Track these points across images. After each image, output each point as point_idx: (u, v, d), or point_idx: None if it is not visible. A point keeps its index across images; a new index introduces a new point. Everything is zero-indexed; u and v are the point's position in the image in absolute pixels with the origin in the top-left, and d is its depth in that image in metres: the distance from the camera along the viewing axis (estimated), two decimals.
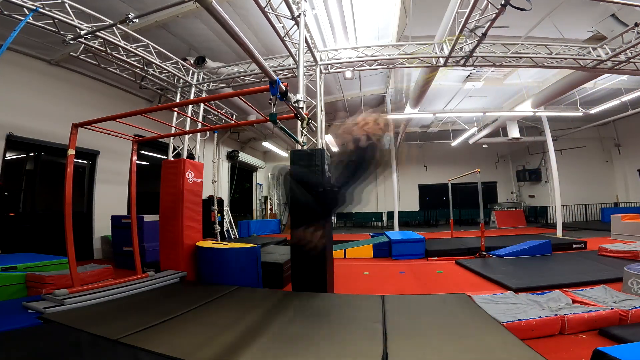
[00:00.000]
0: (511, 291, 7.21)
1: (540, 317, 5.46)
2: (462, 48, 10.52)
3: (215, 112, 9.07)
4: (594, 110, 16.42)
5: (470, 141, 24.09)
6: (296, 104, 5.82)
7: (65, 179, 7.17)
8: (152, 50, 10.57)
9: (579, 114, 16.71)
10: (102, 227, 13.23)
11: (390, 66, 11.46)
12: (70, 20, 8.40)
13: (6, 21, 7.74)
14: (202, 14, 10.36)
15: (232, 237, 19.09)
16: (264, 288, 8.24)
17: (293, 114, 6.30)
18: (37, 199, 11.78)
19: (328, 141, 21.39)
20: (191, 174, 9.81)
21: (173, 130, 9.84)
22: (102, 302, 6.75)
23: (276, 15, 8.16)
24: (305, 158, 8.12)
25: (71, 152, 7.34)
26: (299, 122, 6.70)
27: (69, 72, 12.56)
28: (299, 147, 8.99)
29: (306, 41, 9.46)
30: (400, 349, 4.49)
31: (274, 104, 5.26)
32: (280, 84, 5.02)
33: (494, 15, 8.30)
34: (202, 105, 11.96)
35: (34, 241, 11.17)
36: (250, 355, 4.40)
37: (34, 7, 7.78)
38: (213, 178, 13.98)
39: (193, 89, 12.13)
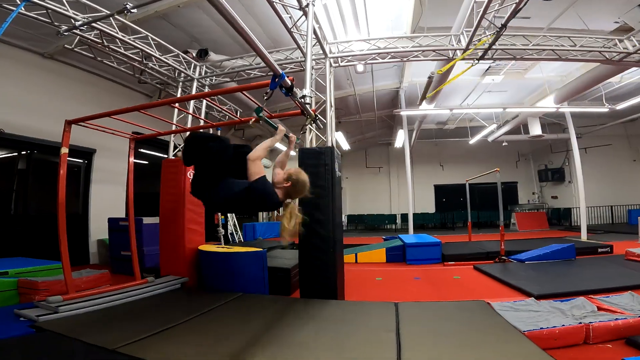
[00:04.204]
0: (533, 298, 7.16)
1: (563, 325, 5.41)
2: (481, 40, 10.47)
3: (219, 108, 9.01)
4: (621, 106, 16.30)
5: (490, 139, 24.09)
6: (302, 100, 5.76)
7: (59, 179, 7.14)
8: (152, 42, 10.53)
9: (604, 109, 16.57)
10: (98, 230, 13.20)
11: (404, 59, 11.43)
12: (65, 10, 8.36)
13: None
14: (204, 3, 10.31)
15: (237, 240, 19.06)
16: (271, 294, 8.19)
17: (300, 111, 6.26)
18: (30, 200, 11.79)
19: (338, 139, 21.44)
20: (192, 173, 9.72)
21: (174, 127, 9.82)
22: (99, 310, 6.74)
23: (283, 5, 8.13)
24: (314, 157, 8.12)
25: (64, 150, 7.32)
26: (306, 120, 6.63)
27: (63, 66, 12.53)
28: (307, 145, 8.98)
29: (315, 32, 9.38)
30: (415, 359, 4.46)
31: (266, 98, 5.20)
32: (285, 78, 4.95)
33: (514, 5, 8.26)
34: (204, 100, 11.80)
35: (27, 245, 11.14)
36: None
37: None
38: None
39: (195, 84, 12.08)
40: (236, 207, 5.48)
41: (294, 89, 5.25)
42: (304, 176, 4.97)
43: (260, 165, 4.69)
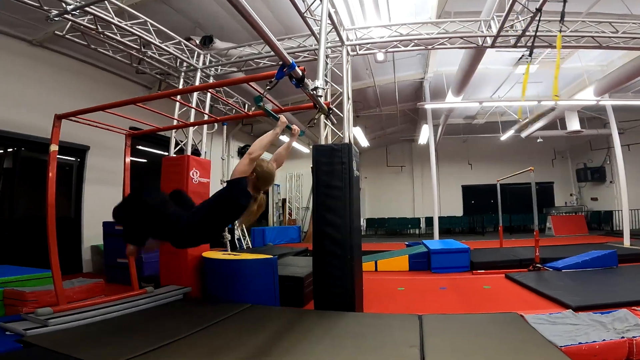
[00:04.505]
0: (570, 310, 7.09)
1: (604, 340, 5.34)
2: (513, 26, 10.41)
3: (225, 101, 9.00)
4: None
5: (523, 134, 23.96)
6: (314, 92, 5.71)
7: (48, 179, 7.13)
8: (151, 28, 10.51)
9: None
10: (92, 235, 13.15)
11: (429, 47, 11.38)
12: None
13: None
14: None
15: (244, 246, 19.07)
16: (282, 306, 8.19)
17: (313, 104, 6.22)
18: (17, 202, 11.78)
19: (356, 135, 21.41)
20: (196, 173, 9.79)
21: (175, 122, 9.81)
22: (92, 323, 6.72)
23: None
24: (329, 154, 8.09)
25: (54, 147, 7.29)
26: (317, 113, 6.59)
27: (53, 54, 12.45)
28: (322, 142, 8.95)
29: (330, 17, 9.27)
30: None
31: (269, 88, 5.14)
32: (296, 67, 4.91)
33: None
34: (208, 92, 11.77)
35: (13, 252, 11.10)
36: None
37: None
38: (222, 178, 13.97)
39: (198, 74, 12.10)
40: (210, 225, 5.14)
41: (305, 80, 5.21)
42: (270, 166, 5.21)
43: (245, 163, 4.81)
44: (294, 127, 6.35)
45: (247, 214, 4.87)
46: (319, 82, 5.72)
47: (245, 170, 4.74)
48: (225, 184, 4.78)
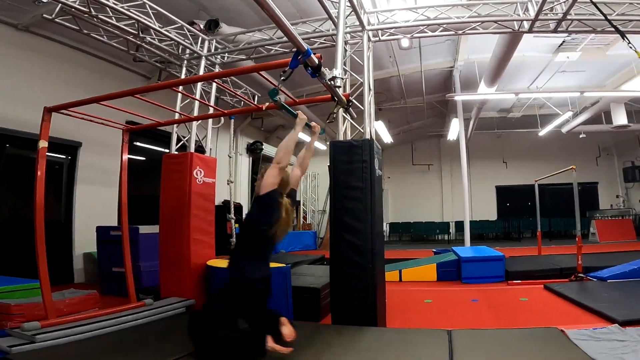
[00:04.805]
0: (616, 324, 7.02)
1: None
2: (553, 9, 10.33)
3: (232, 93, 8.95)
4: None
5: (564, 129, 23.86)
6: (332, 82, 5.63)
7: (36, 179, 7.10)
8: (150, 11, 10.47)
9: None
10: (84, 241, 13.06)
11: (459, 32, 11.31)
12: None
13: None
14: None
15: None
16: (296, 320, 8.07)
17: (330, 95, 6.15)
18: (1, 205, 11.75)
19: (378, 130, 21.36)
20: (201, 172, 9.80)
21: (177, 116, 9.79)
22: (85, 340, 6.71)
23: None
24: (347, 151, 8.02)
25: (43, 144, 7.24)
26: (334, 107, 6.51)
27: (41, 40, 12.32)
28: (341, 138, 8.89)
29: None
30: None
31: (283, 79, 5.06)
32: (312, 55, 4.84)
33: None
34: (214, 83, 11.77)
35: None
36: None
37: None
38: (229, 177, 13.88)
39: (203, 62, 11.98)
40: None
41: (322, 69, 5.14)
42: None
43: (274, 174, 4.95)
44: (314, 124, 6.31)
45: (283, 225, 4.94)
46: (337, 71, 5.64)
47: (275, 182, 4.86)
48: (253, 201, 4.79)
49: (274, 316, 5.13)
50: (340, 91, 5.85)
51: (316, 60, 4.95)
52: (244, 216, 19.65)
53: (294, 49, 4.80)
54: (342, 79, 5.67)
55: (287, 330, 5.12)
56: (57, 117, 7.44)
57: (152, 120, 8.70)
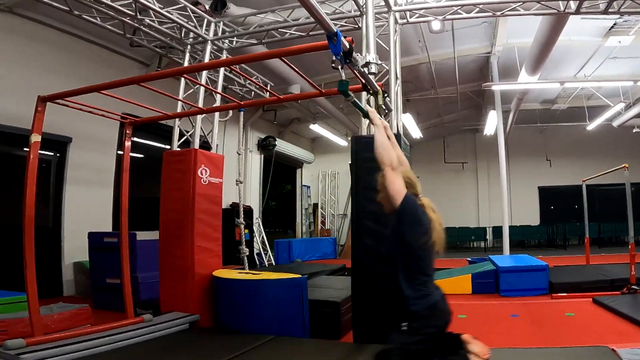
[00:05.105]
0: None
1: None
2: None
3: (242, 81, 8.99)
4: None
5: (615, 123, 23.75)
6: (365, 70, 5.57)
7: (26, 178, 7.04)
8: None
9: None
10: (75, 249, 12.97)
11: (497, 13, 11.31)
12: None
13: None
14: None
15: (266, 263, 19.08)
16: (313, 338, 8.11)
17: (360, 85, 6.11)
18: None
19: (406, 123, 21.37)
20: (206, 170, 9.78)
21: (180, 108, 9.81)
22: (76, 359, 6.76)
23: None
24: (372, 147, 7.94)
25: (36, 138, 7.17)
26: (370, 97, 6.47)
27: (26, 23, 12.21)
28: (364, 132, 8.88)
29: None
30: None
31: (341, 68, 5.03)
32: (342, 38, 4.82)
33: None
34: (222, 71, 11.84)
35: None
36: None
37: None
38: (238, 177, 13.82)
39: (209, 48, 11.99)
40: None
41: (353, 54, 5.10)
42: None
43: (394, 179, 4.75)
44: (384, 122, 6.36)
45: (437, 227, 4.83)
46: (371, 56, 5.63)
47: (402, 184, 4.72)
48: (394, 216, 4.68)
49: (455, 336, 5.05)
50: (373, 79, 5.80)
51: (347, 44, 4.92)
52: (254, 220, 19.72)
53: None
54: (377, 64, 5.66)
55: (478, 347, 5.08)
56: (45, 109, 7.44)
57: (156, 112, 8.66)
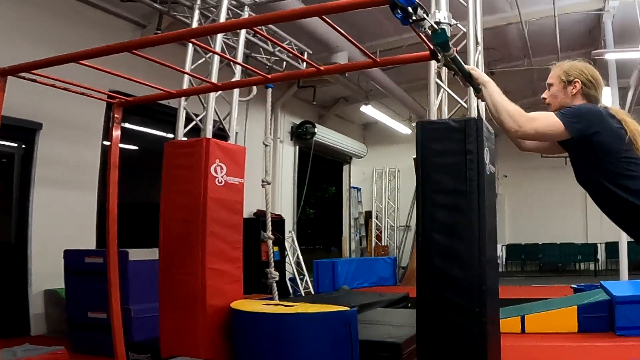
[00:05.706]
0: None
1: None
2: None
3: (270, 48, 8.75)
4: None
5: None
6: (434, 30, 5.30)
7: None
8: None
9: None
10: (46, 272, 12.60)
11: None
12: None
13: None
14: None
15: (302, 291, 18.99)
16: None
17: (429, 52, 5.83)
18: None
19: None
20: (221, 167, 9.45)
21: (186, 85, 9.60)
22: None
23: None
24: (444, 137, 7.77)
25: None
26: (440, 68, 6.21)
27: None
28: (433, 116, 8.67)
29: None
30: None
31: (422, 18, 4.52)
32: None
33: None
34: (242, 33, 11.61)
35: None
36: None
37: None
38: (265, 177, 13.60)
39: (225, 2, 11.56)
40: None
41: (418, 11, 4.70)
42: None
43: (536, 117, 4.82)
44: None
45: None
46: (442, 14, 5.35)
47: (548, 115, 4.75)
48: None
49: None
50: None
51: None
52: (287, 234, 19.58)
53: None
54: (450, 24, 5.38)
55: None
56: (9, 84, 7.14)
57: (155, 89, 7.98)
